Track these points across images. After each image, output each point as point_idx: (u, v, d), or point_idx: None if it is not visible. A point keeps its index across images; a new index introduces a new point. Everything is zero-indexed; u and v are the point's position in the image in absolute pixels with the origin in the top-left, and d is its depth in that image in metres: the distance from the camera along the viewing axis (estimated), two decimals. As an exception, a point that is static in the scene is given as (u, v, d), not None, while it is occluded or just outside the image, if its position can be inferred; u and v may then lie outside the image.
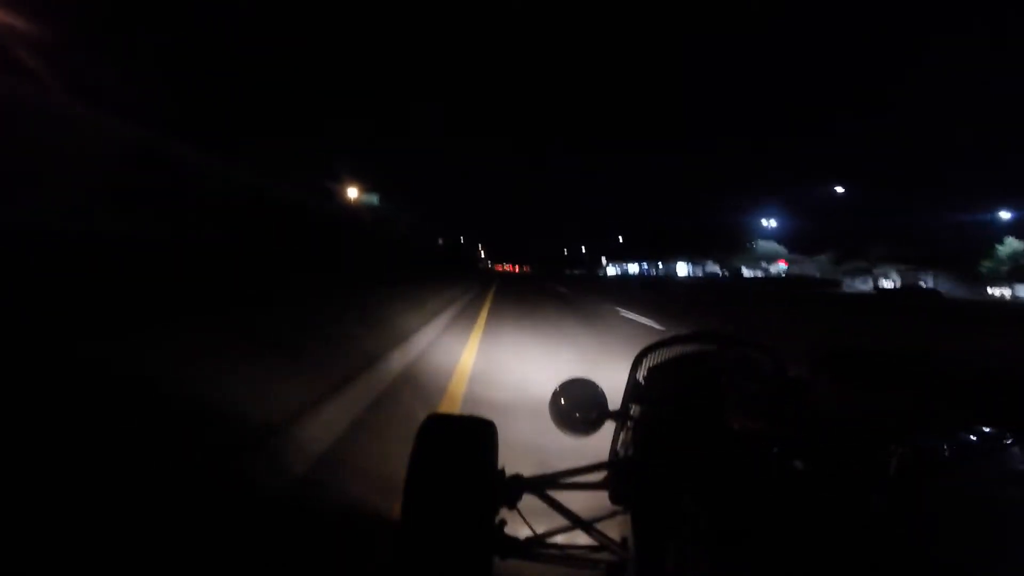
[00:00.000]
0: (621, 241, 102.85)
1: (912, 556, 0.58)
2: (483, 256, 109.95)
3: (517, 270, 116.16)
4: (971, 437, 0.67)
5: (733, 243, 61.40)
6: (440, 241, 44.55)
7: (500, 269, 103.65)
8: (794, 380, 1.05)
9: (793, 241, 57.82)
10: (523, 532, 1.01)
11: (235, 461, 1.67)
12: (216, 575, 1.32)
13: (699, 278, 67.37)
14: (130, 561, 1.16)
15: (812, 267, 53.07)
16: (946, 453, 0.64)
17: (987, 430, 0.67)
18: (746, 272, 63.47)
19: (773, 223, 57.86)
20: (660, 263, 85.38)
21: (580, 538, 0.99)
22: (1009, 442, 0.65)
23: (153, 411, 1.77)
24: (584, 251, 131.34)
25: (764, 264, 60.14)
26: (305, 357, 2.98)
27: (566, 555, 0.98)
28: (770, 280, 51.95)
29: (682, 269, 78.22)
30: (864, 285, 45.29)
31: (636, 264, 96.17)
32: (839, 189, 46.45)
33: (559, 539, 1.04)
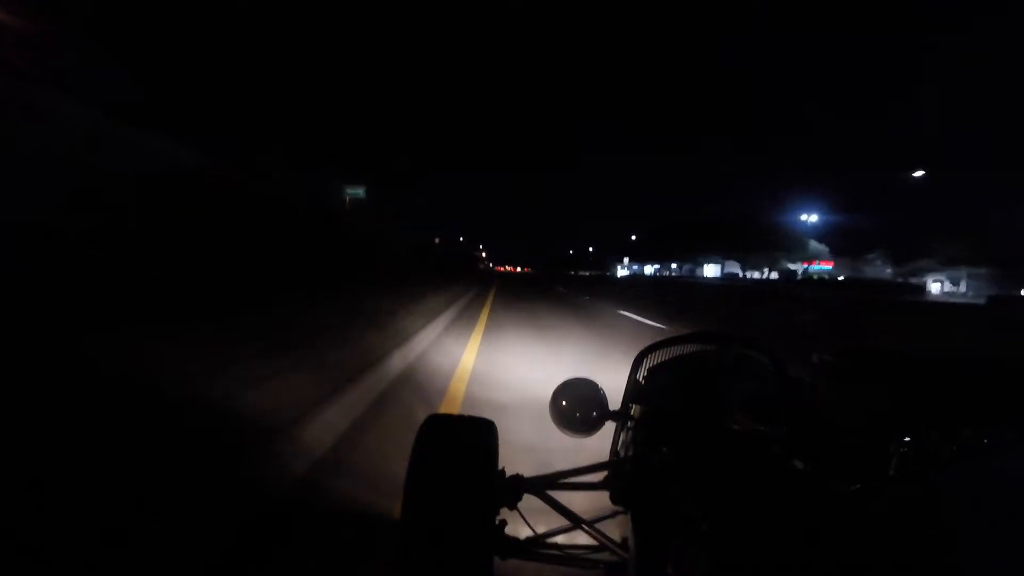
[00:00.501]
0: (634, 239, 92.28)
1: (913, 556, 0.58)
2: (484, 256, 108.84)
3: (517, 270, 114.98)
4: (972, 437, 0.67)
5: (765, 241, 53.60)
6: (436, 240, 42.33)
7: (501, 270, 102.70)
8: (794, 380, 1.05)
9: (832, 239, 51.04)
10: (523, 532, 1.01)
11: (240, 456, 1.67)
12: (217, 573, 1.32)
13: (722, 279, 59.57)
14: (130, 558, 1.16)
15: (855, 268, 47.08)
16: (946, 453, 0.64)
17: (988, 430, 0.67)
18: (771, 273, 56.29)
19: (814, 218, 50.44)
20: (674, 263, 77.15)
21: (580, 538, 0.99)
22: (1010, 442, 0.65)
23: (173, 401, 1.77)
24: (592, 250, 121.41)
25: (791, 265, 53.72)
26: (296, 361, 2.99)
27: (566, 555, 0.98)
28: (827, 284, 42.28)
29: (710, 270, 68.70)
30: (948, 288, 36.62)
31: (651, 265, 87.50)
32: (918, 173, 38.09)
33: (559, 539, 1.04)
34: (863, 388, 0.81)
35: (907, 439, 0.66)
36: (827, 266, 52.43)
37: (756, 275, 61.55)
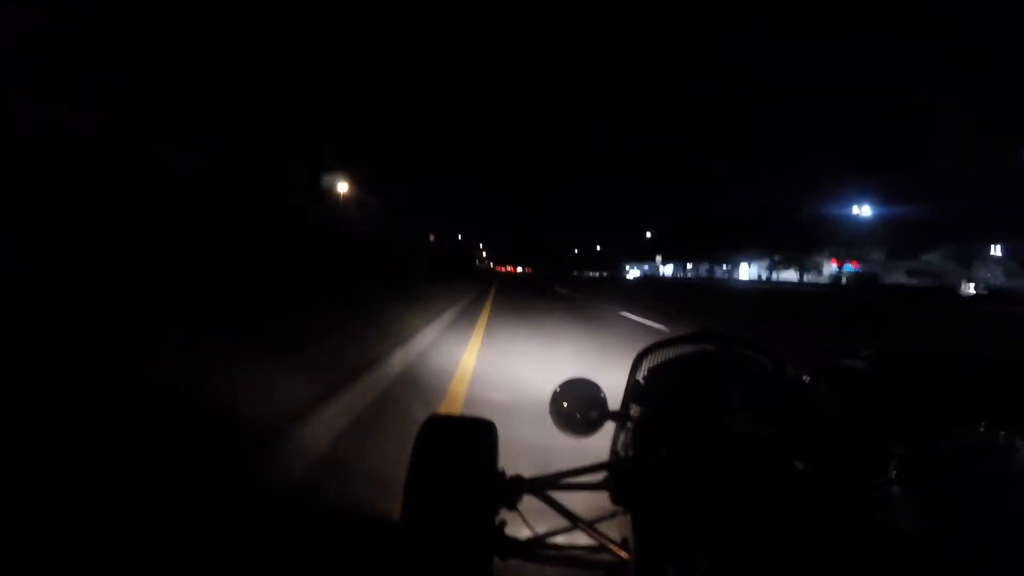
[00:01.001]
0: (649, 236, 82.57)
1: (912, 556, 0.58)
2: (484, 256, 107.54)
3: (517, 270, 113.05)
4: (971, 437, 0.67)
5: (819, 238, 45.22)
6: (431, 238, 38.69)
7: (502, 270, 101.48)
8: (794, 380, 1.05)
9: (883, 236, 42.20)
10: (523, 533, 1.01)
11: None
12: (216, 574, 1.32)
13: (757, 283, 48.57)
14: (129, 558, 1.16)
15: (885, 269, 39.14)
16: (946, 453, 0.64)
17: (987, 430, 0.67)
18: (794, 275, 47.87)
19: (867, 211, 42.03)
20: (692, 263, 69.26)
21: (580, 538, 0.99)
22: (1010, 442, 0.65)
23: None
24: (599, 249, 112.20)
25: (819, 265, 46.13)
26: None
27: (566, 556, 0.98)
28: (928, 293, 30.33)
29: (746, 271, 57.76)
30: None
31: (664, 265, 78.38)
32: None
33: (559, 540, 1.04)
34: (863, 388, 0.81)
35: (907, 440, 0.66)
36: (854, 267, 44.88)
37: (778, 276, 52.12)
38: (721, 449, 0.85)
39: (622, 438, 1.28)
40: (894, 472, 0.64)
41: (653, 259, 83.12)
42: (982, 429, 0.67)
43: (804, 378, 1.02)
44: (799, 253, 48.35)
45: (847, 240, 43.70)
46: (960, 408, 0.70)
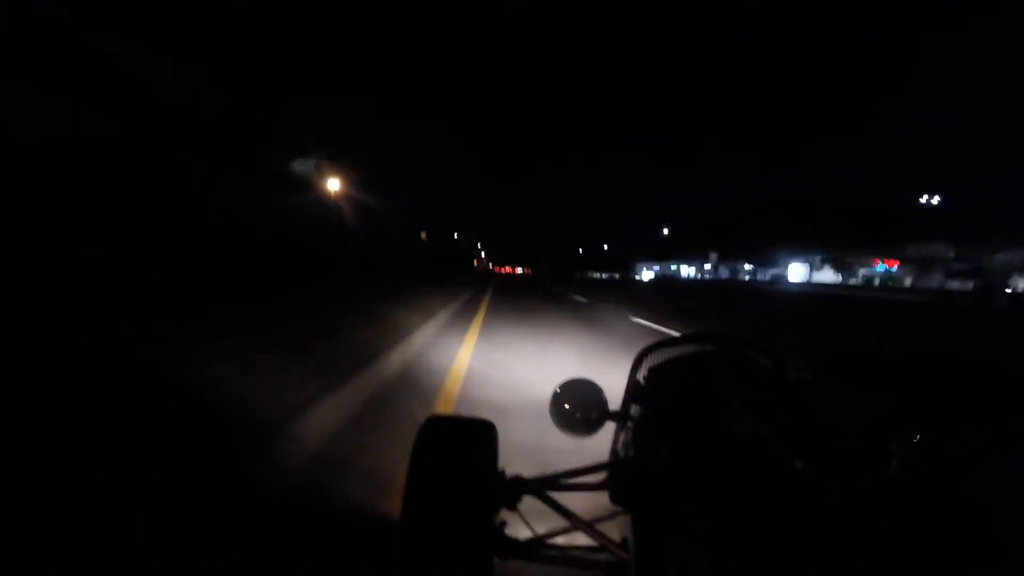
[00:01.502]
0: (666, 234, 74.87)
1: (912, 556, 0.58)
2: (483, 256, 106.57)
3: (517, 272, 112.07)
4: (971, 437, 0.67)
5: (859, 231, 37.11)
6: (423, 235, 36.05)
7: (500, 271, 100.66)
8: (794, 380, 1.05)
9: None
10: (523, 533, 1.01)
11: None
12: (216, 574, 1.32)
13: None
14: (128, 558, 1.16)
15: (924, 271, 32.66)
16: (946, 453, 0.64)
17: (988, 430, 0.67)
18: (826, 276, 39.96)
19: (935, 200, 34.06)
20: (716, 263, 60.84)
21: (580, 539, 0.99)
22: (1010, 442, 0.65)
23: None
24: (607, 248, 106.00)
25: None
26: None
27: (566, 556, 0.98)
28: None
29: (797, 272, 47.05)
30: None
31: (684, 264, 70.25)
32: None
33: (559, 540, 1.04)
34: (863, 388, 0.81)
35: (907, 439, 0.66)
36: (891, 267, 38.86)
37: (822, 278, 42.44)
38: (721, 449, 0.85)
39: (622, 438, 1.28)
40: (894, 472, 0.64)
41: (664, 259, 75.05)
42: (982, 429, 0.67)
43: (805, 378, 1.02)
44: (856, 250, 40.16)
45: (918, 236, 36.55)
46: (960, 408, 0.70)
